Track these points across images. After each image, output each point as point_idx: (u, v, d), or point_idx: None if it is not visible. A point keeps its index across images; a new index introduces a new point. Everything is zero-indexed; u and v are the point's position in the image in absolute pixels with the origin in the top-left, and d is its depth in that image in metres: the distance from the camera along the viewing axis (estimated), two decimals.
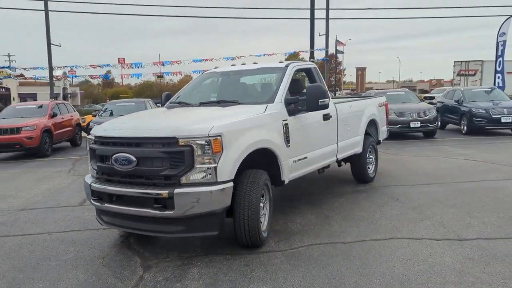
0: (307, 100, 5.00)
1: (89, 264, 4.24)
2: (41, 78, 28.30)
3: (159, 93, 62.25)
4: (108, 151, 4.30)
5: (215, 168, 3.95)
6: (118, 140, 4.28)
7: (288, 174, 4.96)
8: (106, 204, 4.36)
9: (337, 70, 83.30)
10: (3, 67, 45.03)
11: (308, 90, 5.03)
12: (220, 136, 3.97)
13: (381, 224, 5.06)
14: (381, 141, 7.84)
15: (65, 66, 30.44)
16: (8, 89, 54.31)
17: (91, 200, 4.51)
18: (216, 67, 6.63)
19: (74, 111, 16.77)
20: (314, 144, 5.48)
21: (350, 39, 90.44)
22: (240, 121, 4.33)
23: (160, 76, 69.95)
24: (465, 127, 14.48)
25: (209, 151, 3.93)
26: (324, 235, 4.79)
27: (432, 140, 13.23)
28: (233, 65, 6.30)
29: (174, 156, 3.95)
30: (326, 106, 5.10)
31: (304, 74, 6.03)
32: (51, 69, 22.57)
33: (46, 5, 19.94)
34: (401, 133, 13.66)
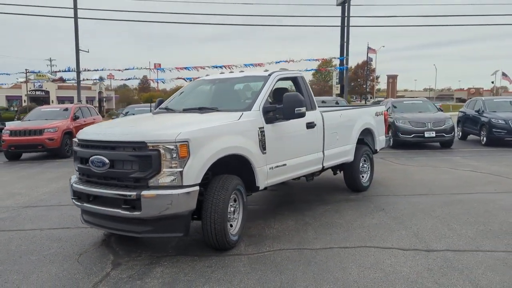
0: (284, 109, 5.11)
1: (65, 259, 4.50)
2: (74, 81, 29.38)
3: None
4: (86, 153, 4.56)
5: (181, 172, 4.13)
6: (95, 143, 4.53)
7: (264, 181, 5.08)
8: (84, 204, 4.61)
9: (371, 78, 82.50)
10: (32, 72, 46.83)
11: (285, 98, 5.15)
12: (187, 141, 4.16)
13: (356, 233, 5.10)
14: (378, 150, 7.82)
15: (100, 70, 31.35)
16: (47, 92, 56.81)
17: (72, 199, 4.78)
18: (222, 73, 6.82)
19: (97, 114, 17.40)
20: (295, 152, 5.58)
21: (383, 46, 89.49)
22: (209, 128, 4.50)
23: None
24: (484, 138, 14.12)
25: (176, 156, 4.11)
26: (295, 241, 4.88)
27: (447, 151, 12.98)
28: (222, 73, 6.49)
29: (142, 160, 4.16)
30: (302, 115, 5.20)
31: (291, 83, 6.14)
32: (78, 73, 23.49)
33: (75, 13, 20.90)
34: (415, 143, 13.48)
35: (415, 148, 13.41)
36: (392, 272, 3.93)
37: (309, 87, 6.14)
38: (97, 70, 30.89)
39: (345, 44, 25.78)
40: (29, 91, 54.40)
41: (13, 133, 13.25)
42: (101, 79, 55.44)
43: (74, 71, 23.99)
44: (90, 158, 4.46)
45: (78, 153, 4.70)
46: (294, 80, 6.04)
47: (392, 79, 75.66)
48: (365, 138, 7.62)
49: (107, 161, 4.33)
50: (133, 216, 4.22)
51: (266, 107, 5.17)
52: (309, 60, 27.92)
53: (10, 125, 14.39)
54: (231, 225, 4.71)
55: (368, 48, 57.17)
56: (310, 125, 5.82)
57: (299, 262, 4.24)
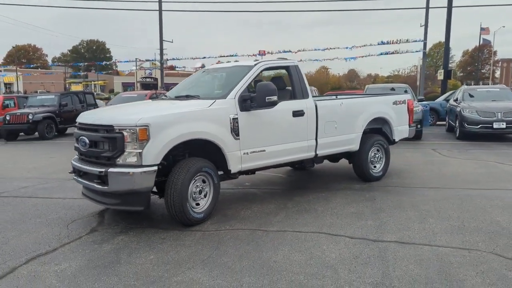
0: (256, 97, 5.37)
1: (59, 224, 5.32)
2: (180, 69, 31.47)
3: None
4: (77, 134, 5.32)
5: (141, 153, 4.67)
6: (82, 126, 5.28)
7: (237, 165, 5.42)
8: (77, 178, 5.39)
9: (490, 62, 75.20)
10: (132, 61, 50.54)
11: (257, 87, 5.40)
12: (147, 126, 4.68)
13: (322, 219, 5.21)
14: (397, 140, 7.59)
15: (202, 58, 33.34)
16: (156, 79, 61.53)
17: (70, 173, 5.60)
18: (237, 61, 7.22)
19: None
20: (277, 139, 5.80)
21: (503, 26, 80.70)
22: (171, 114, 4.97)
23: None
24: None
25: (136, 139, 4.66)
26: (258, 222, 5.16)
27: None
28: (218, 62, 6.87)
29: (111, 141, 4.78)
30: (273, 103, 5.41)
31: (285, 72, 6.31)
32: (161, 64, 25.40)
33: (160, 6, 22.62)
34: (484, 134, 12.50)
35: (482, 140, 12.44)
36: (316, 257, 4.07)
37: (303, 76, 6.25)
38: (199, 58, 33.00)
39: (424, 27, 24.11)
40: (141, 78, 59.55)
41: None
42: (203, 66, 58.42)
43: (180, 59, 25.89)
44: (79, 138, 5.21)
45: (74, 134, 5.49)
46: (287, 69, 6.21)
47: (506, 63, 68.32)
48: (382, 128, 7.47)
49: (87, 141, 5.04)
50: (103, 190, 4.88)
51: (243, 96, 5.46)
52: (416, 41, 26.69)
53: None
54: (197, 204, 5.15)
55: (481, 29, 52.45)
56: (298, 113, 5.97)
57: (243, 241, 4.54)
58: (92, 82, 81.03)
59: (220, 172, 5.52)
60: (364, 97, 7.65)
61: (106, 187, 4.81)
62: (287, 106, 5.91)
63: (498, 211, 5.38)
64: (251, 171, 6.03)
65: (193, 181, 5.04)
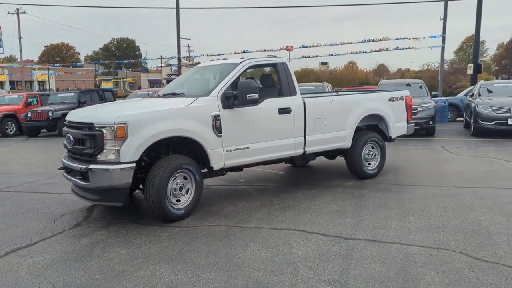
0: (238, 95, 5.42)
1: (48, 218, 5.51)
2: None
3: (317, 81, 63.83)
4: (65, 131, 5.49)
5: (119, 150, 4.79)
6: (68, 124, 5.46)
7: (219, 162, 5.48)
8: (65, 174, 5.58)
9: None
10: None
11: (238, 85, 5.44)
12: (125, 124, 4.80)
13: (301, 216, 5.22)
14: (393, 138, 7.48)
15: (221, 54, 33.68)
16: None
17: (60, 169, 5.79)
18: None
19: None
20: (262, 136, 5.82)
21: None
22: (150, 112, 5.07)
23: (324, 63, 71.20)
24: None
25: (114, 136, 4.79)
26: (237, 219, 5.21)
27: None
28: (212, 60, 6.93)
29: (91, 138, 4.92)
30: (254, 101, 5.44)
31: (274, 69, 6.31)
32: (179, 60, 25.75)
33: (177, 4, 22.85)
34: (499, 131, 12.13)
35: (497, 137, 12.09)
36: (283, 254, 4.10)
37: (291, 73, 6.24)
38: (220, 54, 33.27)
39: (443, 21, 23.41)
40: (167, 74, 60.46)
41: None
42: None
43: (205, 56, 26.25)
44: (66, 135, 5.39)
45: (63, 131, 5.67)
46: (274, 66, 6.22)
47: None
48: (379, 125, 7.40)
49: (72, 138, 5.21)
50: (85, 186, 5.05)
51: (226, 93, 5.51)
52: (434, 37, 26.18)
53: None
54: (178, 200, 5.24)
55: None
56: (284, 110, 5.98)
57: (216, 237, 4.61)
58: (122, 79, 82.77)
59: (204, 170, 5.61)
60: (357, 94, 7.57)
61: (87, 183, 4.97)
62: (272, 103, 5.93)
63: (484, 210, 5.25)
64: (238, 168, 6.08)
65: (173, 178, 5.13)
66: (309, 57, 35.89)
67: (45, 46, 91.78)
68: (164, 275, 3.73)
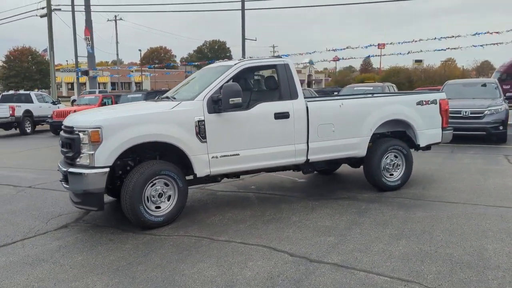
0: (222, 99, 5.13)
1: (44, 218, 5.66)
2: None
3: (406, 79, 60.45)
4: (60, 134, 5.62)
5: (93, 155, 4.77)
6: (63, 127, 5.55)
7: (204, 169, 5.24)
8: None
9: None
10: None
11: (223, 89, 5.14)
12: (99, 128, 4.76)
13: (281, 232, 4.79)
14: (422, 146, 6.64)
15: (310, 52, 33.48)
16: (263, 76, 62.75)
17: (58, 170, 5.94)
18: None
19: None
20: (255, 142, 5.47)
21: None
22: (126, 116, 4.98)
23: (419, 61, 67.63)
24: None
25: (89, 140, 4.77)
26: (215, 230, 4.93)
27: None
28: (220, 60, 6.66)
29: (72, 142, 4.95)
30: (237, 105, 5.10)
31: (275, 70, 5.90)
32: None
33: (243, 5, 22.89)
34: None
35: None
36: (230, 273, 3.77)
37: (293, 75, 5.80)
38: (308, 53, 33.05)
39: None
40: None
41: None
42: (311, 62, 58.23)
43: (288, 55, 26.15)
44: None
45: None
46: (275, 67, 5.83)
47: None
48: (406, 131, 6.65)
49: (60, 142, 5.30)
50: (67, 189, 5.10)
51: (213, 97, 5.25)
52: None
53: None
54: (157, 207, 5.09)
55: None
56: (282, 115, 5.58)
57: (178, 249, 4.38)
58: None
59: (190, 177, 5.41)
60: (375, 97, 6.85)
61: (68, 186, 5.03)
62: (267, 107, 5.55)
63: (498, 237, 4.41)
64: (233, 175, 5.79)
65: (151, 184, 4.99)
66: (401, 54, 33.79)
67: (139, 50, 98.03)
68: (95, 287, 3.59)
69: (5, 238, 4.90)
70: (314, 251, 4.20)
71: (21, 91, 24.92)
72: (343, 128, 6.00)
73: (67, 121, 5.32)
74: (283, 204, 5.92)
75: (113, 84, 73.34)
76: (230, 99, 5.06)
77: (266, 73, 6.55)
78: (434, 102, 6.67)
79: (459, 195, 6.11)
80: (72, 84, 70.42)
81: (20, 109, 19.39)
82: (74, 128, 4.93)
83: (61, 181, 5.25)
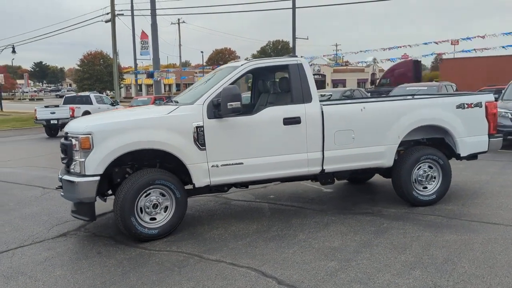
0: (221, 103, 4.69)
1: (50, 224, 5.55)
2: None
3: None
4: None
5: (83, 162, 4.53)
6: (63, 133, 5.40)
7: (203, 178, 4.85)
8: None
9: None
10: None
11: (221, 92, 4.71)
12: (90, 134, 4.52)
13: (281, 252, 4.28)
14: (463, 155, 5.75)
15: (368, 50, 32.38)
16: (324, 76, 61.62)
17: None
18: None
19: None
20: (262, 150, 4.99)
21: None
22: (119, 122, 4.70)
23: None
24: None
25: (80, 147, 4.54)
26: (210, 247, 4.52)
27: None
28: (231, 61, 6.22)
29: (66, 148, 4.76)
30: (235, 110, 4.64)
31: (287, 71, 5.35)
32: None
33: (293, 4, 22.18)
34: None
35: None
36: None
37: (307, 76, 5.22)
38: (368, 50, 31.95)
39: None
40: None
41: None
42: (374, 61, 55.96)
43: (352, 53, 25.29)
44: None
45: None
46: (286, 68, 5.29)
47: None
48: (445, 139, 5.84)
49: (61, 147, 5.14)
50: (63, 197, 4.92)
51: (213, 101, 4.84)
52: None
53: None
54: (153, 219, 4.76)
55: None
56: (292, 120, 5.05)
57: (160, 268, 4.03)
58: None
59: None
60: (404, 100, 6.04)
61: (63, 194, 4.85)
62: (275, 112, 5.05)
63: None
64: (240, 185, 5.34)
65: (144, 194, 4.67)
66: (475, 50, 31.27)
67: (201, 52, 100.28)
68: None
69: (2, 246, 4.81)
70: (307, 279, 3.65)
71: (83, 93, 26.02)
72: (365, 135, 5.33)
73: (66, 127, 5.15)
74: (295, 218, 5.37)
75: (177, 85, 75.20)
76: (228, 104, 4.62)
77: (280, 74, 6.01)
78: (478, 105, 5.78)
79: (504, 215, 5.22)
80: (140, 85, 73.17)
81: (80, 110, 20.25)
82: (68, 134, 4.74)
83: (57, 188, 5.09)
